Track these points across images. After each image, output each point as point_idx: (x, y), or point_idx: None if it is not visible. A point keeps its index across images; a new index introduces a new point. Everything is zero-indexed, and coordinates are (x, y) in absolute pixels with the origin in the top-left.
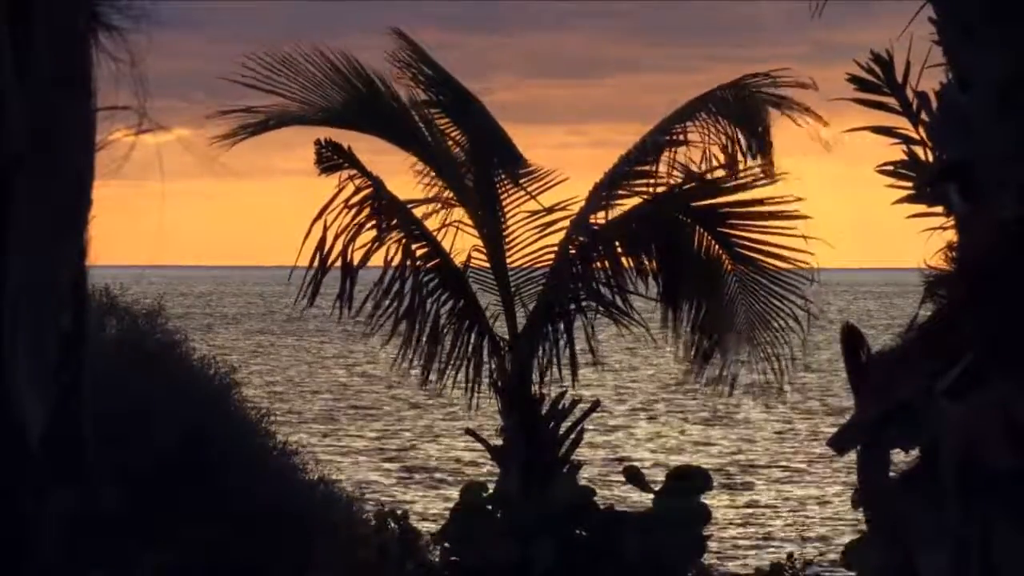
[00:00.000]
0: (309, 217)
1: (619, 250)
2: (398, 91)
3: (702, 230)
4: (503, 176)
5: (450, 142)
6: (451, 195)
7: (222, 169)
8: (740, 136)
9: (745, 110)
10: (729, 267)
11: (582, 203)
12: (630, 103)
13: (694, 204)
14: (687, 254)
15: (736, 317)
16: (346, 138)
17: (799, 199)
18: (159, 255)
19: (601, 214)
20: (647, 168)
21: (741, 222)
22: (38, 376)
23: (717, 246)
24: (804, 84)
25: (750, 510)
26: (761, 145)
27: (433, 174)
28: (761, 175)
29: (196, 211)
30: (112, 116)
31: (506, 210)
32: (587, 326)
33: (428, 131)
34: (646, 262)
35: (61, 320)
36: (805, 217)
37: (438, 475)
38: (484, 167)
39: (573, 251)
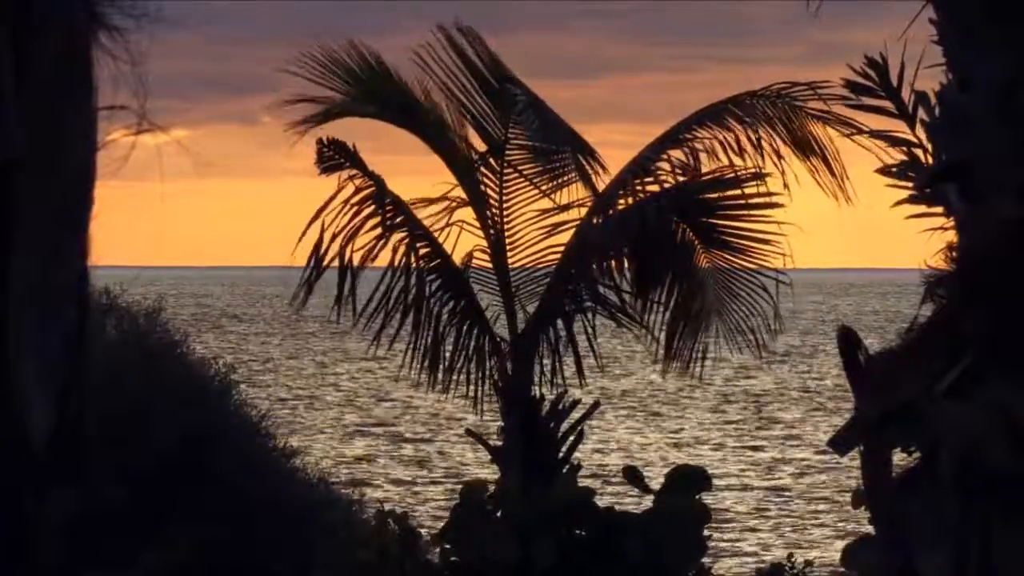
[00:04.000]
0: (310, 217)
1: (612, 250)
2: (415, 87)
3: (679, 220)
4: (516, 171)
5: (459, 140)
6: (461, 195)
7: (216, 171)
8: (777, 141)
9: (786, 120)
10: (701, 251)
11: (585, 204)
12: (630, 103)
13: (688, 200)
14: (664, 244)
15: (707, 295)
16: (357, 135)
17: (776, 193)
18: (159, 255)
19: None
20: (655, 168)
21: (724, 212)
22: (42, 376)
23: (690, 233)
24: (846, 98)
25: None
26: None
27: (449, 172)
28: (757, 173)
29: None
30: (112, 116)
31: (511, 209)
32: (588, 327)
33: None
34: (623, 260)
35: (64, 320)
36: (780, 205)
37: (438, 474)
38: (498, 165)
39: (580, 251)
